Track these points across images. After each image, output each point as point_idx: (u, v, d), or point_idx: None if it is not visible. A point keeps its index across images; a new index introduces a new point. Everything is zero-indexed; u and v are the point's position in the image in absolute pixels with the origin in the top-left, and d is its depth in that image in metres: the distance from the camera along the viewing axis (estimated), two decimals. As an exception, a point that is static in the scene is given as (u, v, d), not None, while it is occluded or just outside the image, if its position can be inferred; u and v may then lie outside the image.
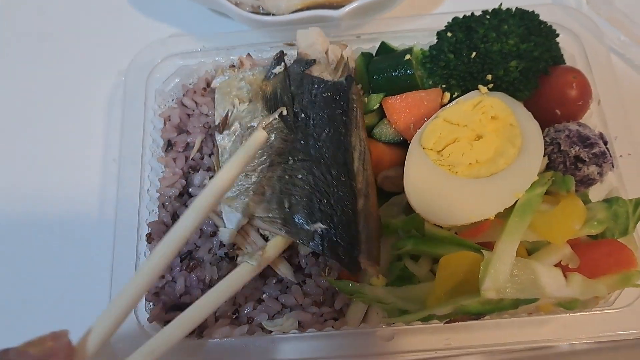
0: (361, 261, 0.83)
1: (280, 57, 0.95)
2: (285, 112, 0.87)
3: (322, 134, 0.88)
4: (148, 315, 0.87)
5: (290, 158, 0.87)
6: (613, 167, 0.91)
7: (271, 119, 0.86)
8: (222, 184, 0.75)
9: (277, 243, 0.84)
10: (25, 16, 1.23)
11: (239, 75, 0.96)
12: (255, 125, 0.89)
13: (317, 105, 0.91)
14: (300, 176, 0.85)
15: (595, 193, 0.93)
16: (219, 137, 0.93)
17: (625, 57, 1.14)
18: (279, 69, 0.94)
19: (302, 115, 0.90)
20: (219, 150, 0.92)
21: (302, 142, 0.88)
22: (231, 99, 0.95)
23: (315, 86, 0.92)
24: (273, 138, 0.88)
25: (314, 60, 0.96)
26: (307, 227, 0.82)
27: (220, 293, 0.78)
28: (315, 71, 0.95)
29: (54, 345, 0.60)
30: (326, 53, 0.98)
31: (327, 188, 0.84)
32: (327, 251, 0.81)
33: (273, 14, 1.07)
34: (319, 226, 0.82)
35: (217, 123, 0.93)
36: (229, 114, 0.93)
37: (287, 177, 0.85)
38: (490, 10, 0.97)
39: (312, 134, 0.88)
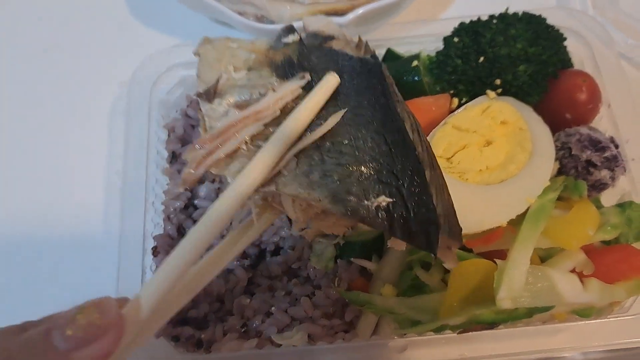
0: (441, 239, 0.64)
1: (290, 28, 0.79)
2: (309, 78, 0.69)
3: (363, 101, 0.68)
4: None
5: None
6: (625, 171, 0.90)
7: (295, 84, 0.68)
8: (296, 126, 0.61)
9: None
10: (26, 26, 1.23)
11: (231, 43, 0.77)
12: (264, 92, 0.69)
13: (347, 75, 0.71)
14: (346, 142, 0.65)
15: (607, 197, 0.92)
16: (205, 107, 0.70)
17: (632, 60, 1.13)
18: (292, 37, 0.78)
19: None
20: (206, 121, 0.68)
21: (339, 107, 0.67)
22: (223, 66, 0.75)
23: (342, 57, 0.73)
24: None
25: (333, 35, 0.78)
26: (366, 202, 0.61)
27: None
28: (336, 46, 0.77)
29: (102, 319, 0.46)
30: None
31: (384, 157, 0.65)
32: (398, 230, 0.62)
33: (276, 23, 1.06)
34: (383, 200, 0.61)
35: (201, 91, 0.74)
36: (220, 81, 0.71)
37: (328, 144, 0.64)
38: (497, 15, 0.96)
39: (349, 101, 0.68)
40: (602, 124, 0.96)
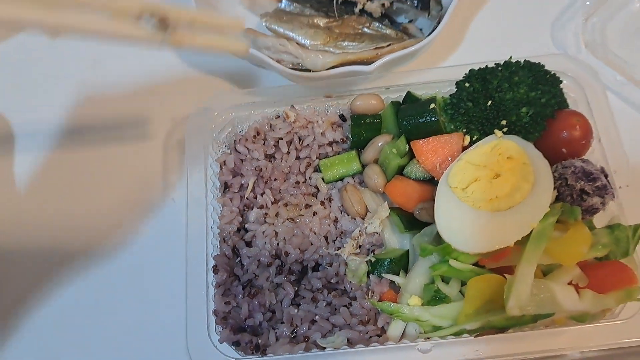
0: None
1: None
2: None
3: None
4: (219, 337, 1.01)
5: None
6: (614, 197, 1.04)
7: None
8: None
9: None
10: (91, 70, 1.39)
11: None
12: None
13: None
14: None
15: (599, 220, 1.06)
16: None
17: (621, 95, 1.27)
18: None
19: None
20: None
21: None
22: None
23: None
24: None
25: None
26: None
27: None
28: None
29: None
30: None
31: None
32: None
33: (311, 70, 1.21)
34: None
35: None
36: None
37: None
38: (502, 63, 1.11)
39: None
40: (594, 156, 1.11)
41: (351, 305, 1.04)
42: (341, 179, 1.17)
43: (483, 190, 1.00)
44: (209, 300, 1.03)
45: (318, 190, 1.17)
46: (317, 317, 1.04)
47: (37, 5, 0.64)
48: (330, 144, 1.19)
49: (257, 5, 1.35)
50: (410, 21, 1.36)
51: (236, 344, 1.01)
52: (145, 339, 1.11)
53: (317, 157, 1.18)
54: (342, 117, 1.20)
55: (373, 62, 1.19)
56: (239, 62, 1.32)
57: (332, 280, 1.07)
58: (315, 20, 1.26)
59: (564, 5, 1.40)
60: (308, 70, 1.22)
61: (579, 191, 1.02)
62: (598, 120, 1.12)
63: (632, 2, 1.37)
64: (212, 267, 1.07)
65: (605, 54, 1.30)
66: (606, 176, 1.05)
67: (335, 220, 1.14)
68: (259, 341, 1.01)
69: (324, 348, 1.00)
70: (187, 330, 1.00)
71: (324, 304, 1.05)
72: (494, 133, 1.07)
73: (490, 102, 1.08)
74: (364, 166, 1.17)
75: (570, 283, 0.97)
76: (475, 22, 1.40)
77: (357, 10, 1.28)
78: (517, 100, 1.07)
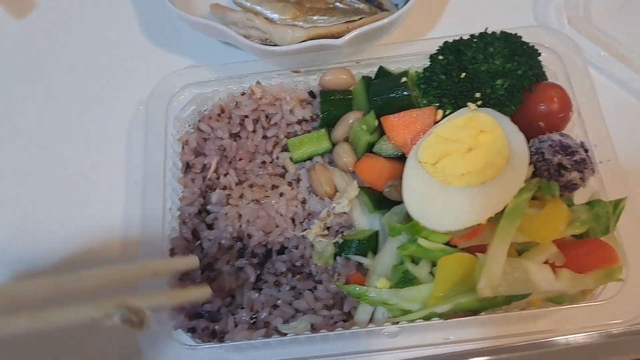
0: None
1: None
2: None
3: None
4: (173, 323, 0.96)
5: None
6: (594, 172, 0.99)
7: None
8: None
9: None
10: (49, 51, 1.34)
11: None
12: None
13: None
14: None
15: (580, 197, 1.00)
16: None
17: (605, 71, 1.22)
18: None
19: None
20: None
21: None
22: None
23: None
24: None
25: None
26: None
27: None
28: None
29: None
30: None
31: None
32: None
33: (279, 45, 1.16)
34: None
35: None
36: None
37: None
38: (477, 34, 1.06)
39: None
40: (574, 130, 1.05)
41: (316, 289, 0.99)
42: (310, 159, 1.11)
43: (454, 165, 0.95)
44: (164, 285, 0.97)
45: (286, 170, 1.11)
46: (279, 301, 0.98)
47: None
48: (299, 122, 1.13)
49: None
50: (385, -5, 1.30)
51: (192, 331, 0.95)
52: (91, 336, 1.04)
53: (285, 136, 1.13)
54: (312, 94, 1.15)
55: (344, 36, 1.13)
56: (206, 40, 1.27)
57: (297, 264, 1.02)
58: (284, -6, 1.21)
59: None
60: (276, 46, 1.16)
61: (556, 165, 0.96)
62: (578, 93, 1.07)
63: None
64: (169, 249, 1.01)
65: (589, 30, 1.25)
66: (586, 150, 1.00)
67: (304, 202, 1.08)
68: (216, 327, 0.95)
69: (285, 334, 0.94)
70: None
71: (287, 288, 0.99)
72: (467, 106, 1.01)
73: (464, 74, 1.03)
74: (334, 145, 1.11)
75: (546, 262, 0.91)
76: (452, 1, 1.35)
77: (329, -16, 1.23)
78: (492, 72, 1.02)
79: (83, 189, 1.18)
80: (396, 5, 1.27)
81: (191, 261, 0.92)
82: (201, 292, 0.88)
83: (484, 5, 1.33)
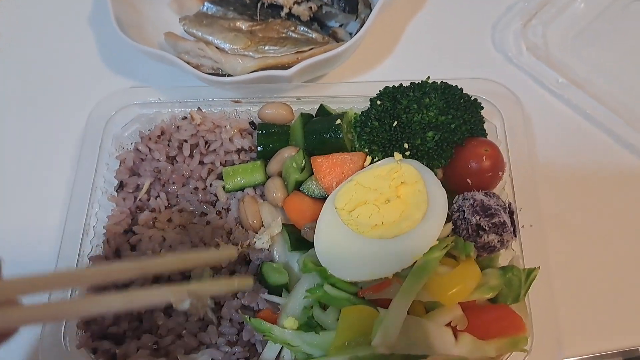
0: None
1: None
2: None
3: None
4: (77, 342, 0.96)
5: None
6: (515, 236, 0.97)
7: None
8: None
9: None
10: (3, 70, 1.36)
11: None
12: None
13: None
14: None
15: (504, 259, 0.99)
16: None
17: (563, 98, 1.22)
18: None
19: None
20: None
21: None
22: None
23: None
24: None
25: None
26: None
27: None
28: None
29: None
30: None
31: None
32: None
33: (230, 75, 1.16)
34: None
35: None
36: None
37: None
38: (417, 83, 1.05)
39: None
40: (506, 189, 1.03)
41: (220, 324, 0.98)
42: (242, 189, 1.11)
43: (369, 214, 0.94)
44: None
45: (217, 199, 1.11)
46: (184, 331, 0.98)
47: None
48: (237, 151, 1.13)
49: (185, 9, 1.32)
50: (341, 25, 1.30)
51: (93, 351, 0.95)
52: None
53: (221, 164, 1.13)
54: (253, 125, 1.15)
55: (293, 67, 1.12)
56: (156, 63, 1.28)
57: (210, 294, 1.01)
58: (237, 24, 1.22)
59: (504, 7, 1.35)
60: (227, 76, 1.16)
61: (474, 226, 0.95)
62: (514, 152, 1.04)
63: (572, 4, 1.32)
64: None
65: (546, 56, 1.25)
66: (511, 213, 0.98)
67: (230, 232, 1.08)
68: (117, 351, 0.95)
69: (185, 366, 0.94)
70: (41, 334, 0.95)
71: (195, 319, 0.99)
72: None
73: (396, 122, 1.02)
74: (269, 178, 1.11)
75: (449, 324, 0.89)
76: (411, 25, 1.34)
77: (283, 14, 1.23)
78: (424, 124, 1.01)
79: (15, 196, 1.20)
80: (351, 34, 1.26)
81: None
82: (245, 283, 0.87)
83: (444, 29, 1.33)
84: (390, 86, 1.06)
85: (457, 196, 0.99)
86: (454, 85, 1.04)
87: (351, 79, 1.27)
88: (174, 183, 1.11)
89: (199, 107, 1.14)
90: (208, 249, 1.02)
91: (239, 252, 1.02)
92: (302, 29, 1.22)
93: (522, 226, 0.98)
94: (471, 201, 0.96)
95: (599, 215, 1.09)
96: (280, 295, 1.01)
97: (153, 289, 0.71)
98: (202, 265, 1.00)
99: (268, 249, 1.05)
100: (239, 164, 1.13)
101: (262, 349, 0.97)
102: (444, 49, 1.29)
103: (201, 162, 1.13)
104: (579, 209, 1.09)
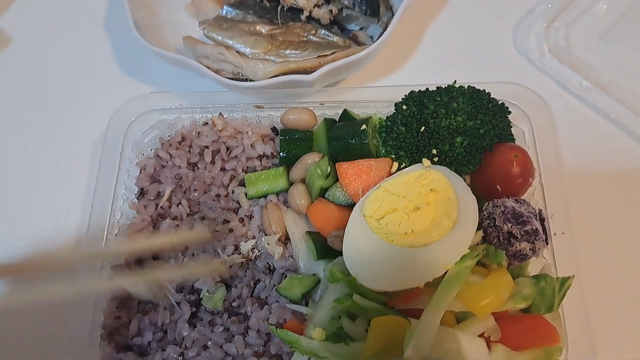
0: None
1: None
2: None
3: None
4: (100, 354, 0.95)
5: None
6: (547, 244, 0.95)
7: None
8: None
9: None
10: (20, 77, 1.34)
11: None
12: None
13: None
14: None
15: (534, 267, 0.97)
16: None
17: (586, 101, 1.20)
18: None
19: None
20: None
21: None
22: None
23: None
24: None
25: None
26: None
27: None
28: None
29: None
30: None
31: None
32: None
33: (251, 80, 1.14)
34: None
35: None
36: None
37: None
38: (444, 87, 1.03)
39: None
40: (536, 196, 1.01)
41: (247, 334, 0.96)
42: (265, 196, 1.09)
43: (399, 222, 0.92)
44: (97, 313, 0.96)
45: (240, 206, 1.09)
46: (210, 342, 0.96)
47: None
48: (259, 157, 1.12)
49: (201, 13, 1.29)
50: (362, 28, 1.28)
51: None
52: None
53: (243, 170, 1.11)
54: (275, 130, 1.13)
55: (316, 71, 1.10)
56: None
57: (234, 304, 1.00)
58: (257, 28, 1.20)
59: (526, 9, 1.32)
60: (250, 80, 1.14)
61: (506, 234, 0.93)
62: (544, 158, 1.02)
63: (595, 5, 1.29)
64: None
65: (569, 59, 1.23)
66: (542, 220, 0.96)
67: (253, 240, 1.06)
68: (142, 363, 0.94)
69: (210, 377, 0.92)
70: (64, 346, 0.93)
71: (221, 329, 0.97)
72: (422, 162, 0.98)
73: (423, 128, 1.00)
74: (291, 184, 1.09)
75: (482, 335, 0.87)
76: (432, 28, 1.32)
77: (303, 17, 1.21)
78: (452, 129, 0.99)
79: (35, 204, 1.18)
80: (371, 37, 1.25)
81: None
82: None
83: (464, 32, 1.31)
84: (417, 90, 1.04)
85: (486, 203, 0.97)
86: (481, 89, 1.02)
87: (371, 83, 1.25)
88: (195, 190, 1.09)
89: (220, 113, 1.12)
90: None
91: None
92: (322, 32, 1.20)
93: (554, 234, 0.96)
94: (502, 208, 0.94)
95: (630, 221, 1.07)
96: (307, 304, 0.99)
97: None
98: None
99: (292, 257, 1.03)
100: (261, 169, 1.11)
101: (289, 360, 0.96)
102: (464, 51, 1.27)
103: (223, 169, 1.11)
104: (609, 215, 1.07)
